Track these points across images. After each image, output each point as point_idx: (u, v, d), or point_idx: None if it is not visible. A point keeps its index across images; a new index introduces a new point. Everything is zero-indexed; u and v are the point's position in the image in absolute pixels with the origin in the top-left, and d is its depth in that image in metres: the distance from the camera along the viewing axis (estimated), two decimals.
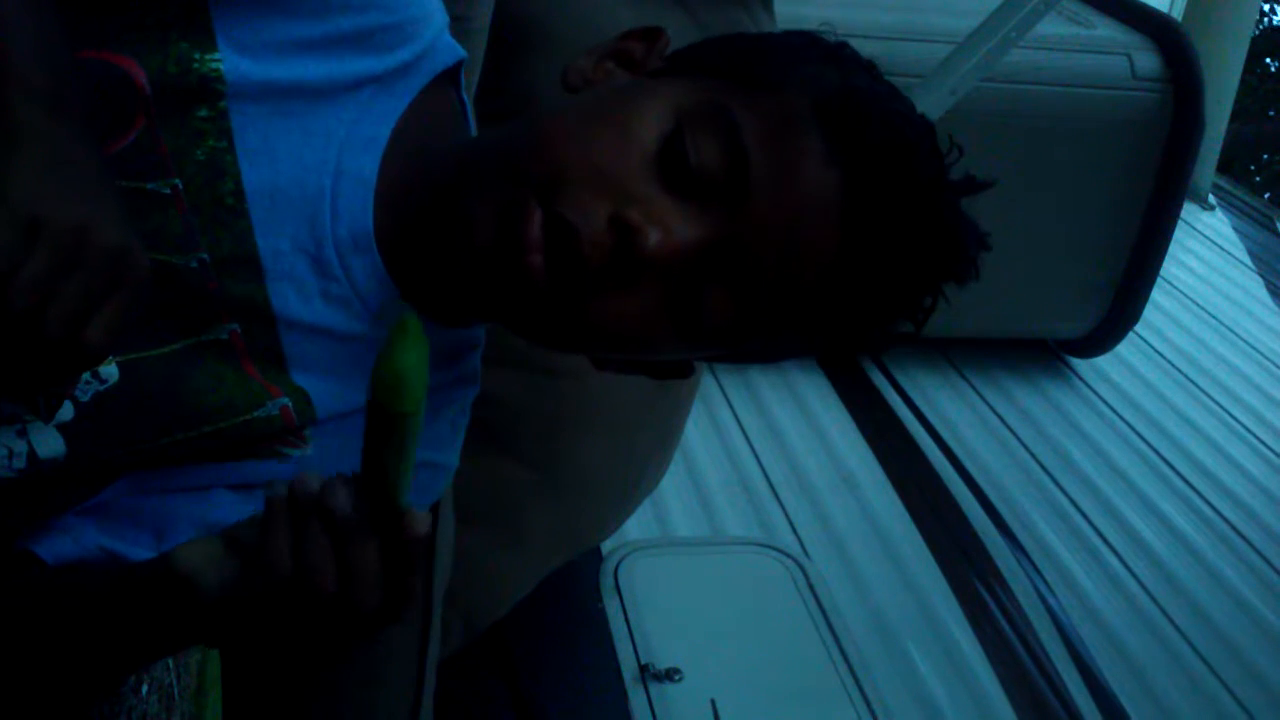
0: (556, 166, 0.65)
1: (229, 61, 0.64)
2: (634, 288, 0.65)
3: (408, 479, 0.57)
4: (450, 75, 0.76)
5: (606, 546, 2.10)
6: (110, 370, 0.67)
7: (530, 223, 0.63)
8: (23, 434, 0.67)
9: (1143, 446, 2.92)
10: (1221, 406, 3.15)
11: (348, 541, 0.57)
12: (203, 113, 0.65)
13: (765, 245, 0.65)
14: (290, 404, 0.72)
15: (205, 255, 0.66)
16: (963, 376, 3.06)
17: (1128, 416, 3.04)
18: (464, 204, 0.67)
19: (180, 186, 0.65)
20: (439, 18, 0.74)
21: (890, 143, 0.65)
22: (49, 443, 0.67)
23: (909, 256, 0.67)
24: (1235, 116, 5.49)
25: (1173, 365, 3.31)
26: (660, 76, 0.72)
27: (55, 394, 0.61)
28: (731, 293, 0.67)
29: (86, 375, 0.67)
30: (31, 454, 0.67)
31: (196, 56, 0.64)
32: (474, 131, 0.79)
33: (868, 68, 0.70)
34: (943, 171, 0.68)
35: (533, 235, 0.63)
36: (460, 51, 0.76)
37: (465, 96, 0.78)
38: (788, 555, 2.21)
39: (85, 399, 0.67)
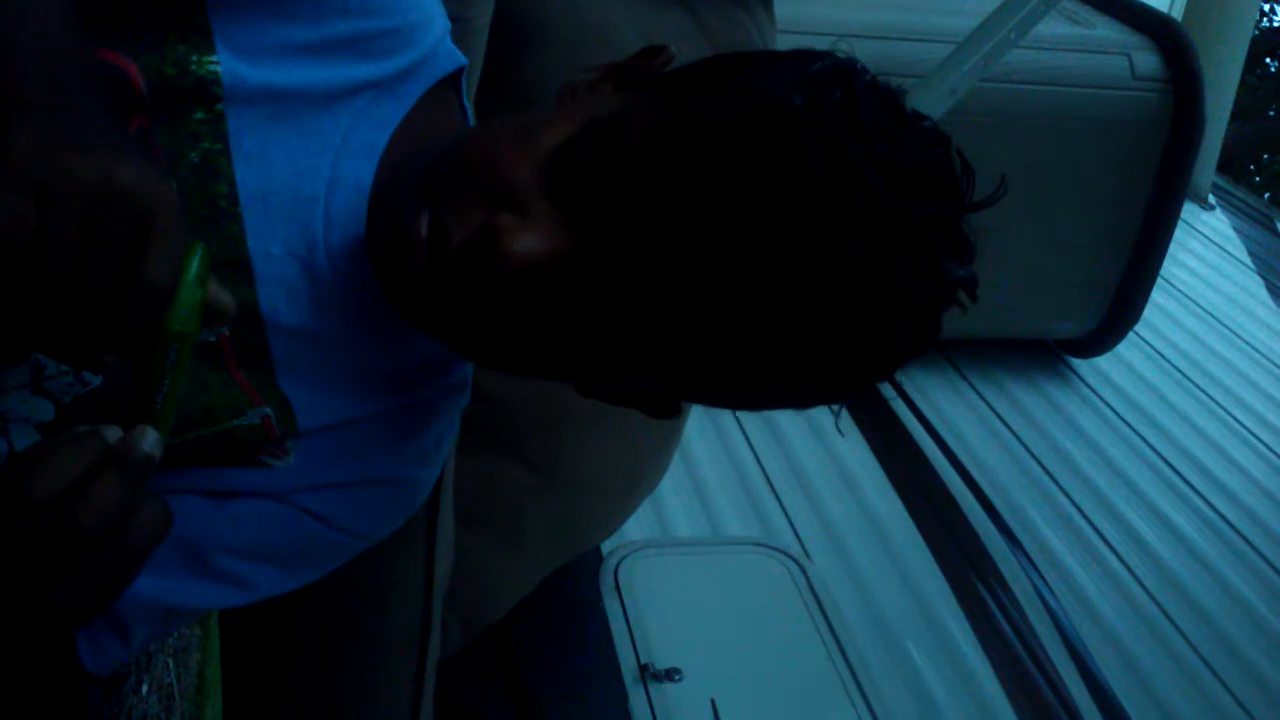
0: (455, 171, 0.64)
1: (226, 64, 0.64)
2: (507, 294, 0.63)
3: (170, 408, 0.57)
4: (452, 81, 0.75)
5: (606, 546, 2.10)
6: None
7: (418, 223, 0.62)
8: (3, 433, 0.67)
9: (1143, 446, 2.92)
10: (1221, 406, 3.15)
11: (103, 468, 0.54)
12: (199, 115, 0.65)
13: (625, 260, 0.61)
14: (272, 413, 0.71)
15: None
16: (963, 376, 3.05)
17: (1128, 416, 3.04)
18: (382, 206, 0.67)
19: (174, 188, 0.65)
20: (439, 23, 0.73)
21: (781, 168, 0.57)
22: (27, 441, 0.67)
23: (790, 305, 0.59)
24: (1235, 116, 5.48)
25: (1173, 365, 3.31)
26: (620, 91, 0.70)
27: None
28: (601, 306, 0.62)
29: (69, 378, 0.67)
30: (11, 453, 0.67)
31: (194, 59, 0.64)
32: None
33: (855, 94, 0.60)
34: (870, 215, 0.57)
35: (418, 235, 0.62)
36: (461, 58, 0.75)
37: (467, 102, 0.78)
38: (788, 555, 2.21)
39: (66, 401, 0.67)
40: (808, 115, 0.58)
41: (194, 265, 0.55)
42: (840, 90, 0.60)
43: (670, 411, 0.74)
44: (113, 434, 0.55)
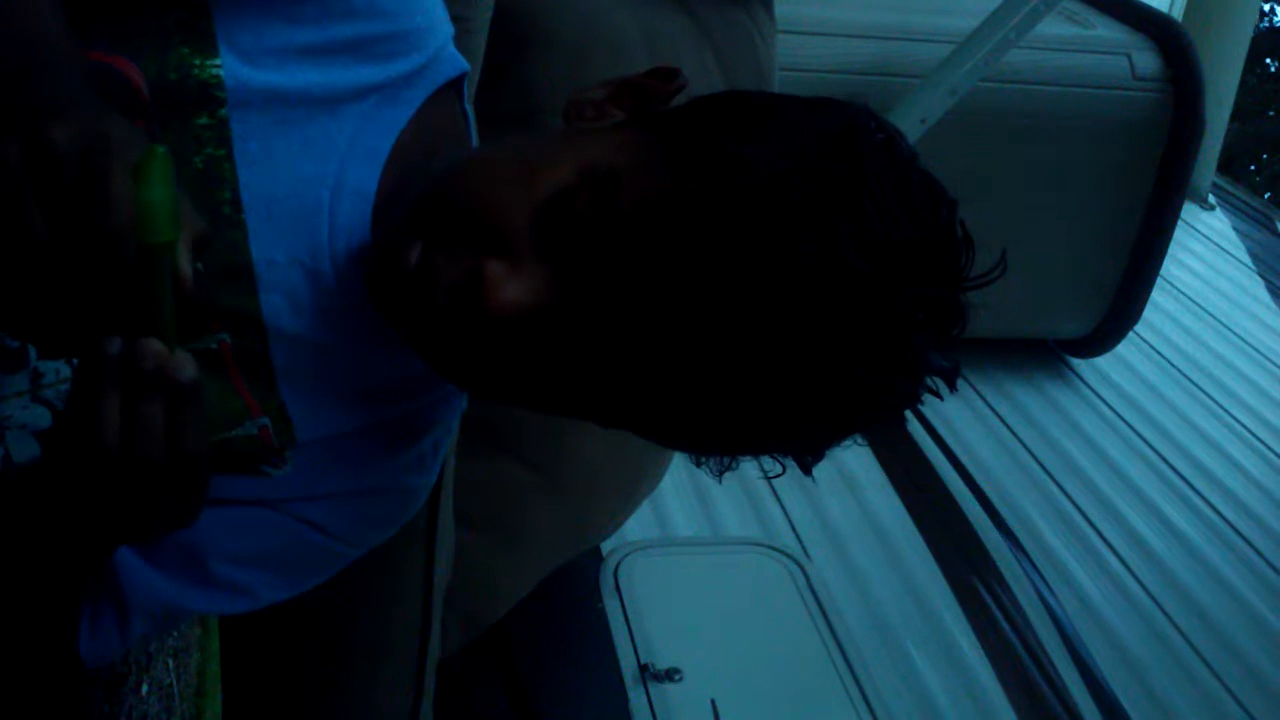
0: (450, 208, 0.64)
1: (228, 67, 0.64)
2: (488, 337, 0.63)
3: (172, 318, 0.57)
4: (454, 86, 0.75)
5: (606, 546, 2.10)
6: None
7: (407, 257, 0.63)
8: (0, 440, 0.67)
9: (1143, 446, 2.92)
10: (1221, 406, 3.15)
11: (139, 395, 0.55)
12: (203, 120, 0.64)
13: (606, 320, 0.61)
14: (270, 424, 0.71)
15: (198, 264, 0.66)
16: (963, 376, 3.04)
17: (1128, 416, 3.04)
18: (382, 221, 0.67)
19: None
20: (444, 28, 0.73)
21: (771, 262, 0.57)
22: (24, 448, 0.67)
23: (763, 388, 0.60)
24: (1235, 116, 5.48)
25: (1173, 365, 3.31)
26: (623, 127, 0.69)
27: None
28: (579, 358, 0.63)
29: (67, 385, 0.67)
30: (6, 458, 0.67)
31: (196, 62, 0.63)
32: (475, 143, 0.79)
33: (860, 165, 0.60)
34: (855, 316, 0.58)
35: (406, 271, 0.63)
36: (464, 63, 0.75)
37: (469, 108, 0.78)
38: (788, 555, 2.21)
39: (64, 407, 0.67)
40: (804, 203, 0.58)
41: (153, 174, 0.54)
42: (844, 162, 0.59)
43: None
44: (114, 345, 0.55)
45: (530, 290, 0.62)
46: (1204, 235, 4.09)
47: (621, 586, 2.04)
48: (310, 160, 0.67)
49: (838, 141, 0.61)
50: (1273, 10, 9.99)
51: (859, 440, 0.67)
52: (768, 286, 0.58)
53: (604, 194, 0.61)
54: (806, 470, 0.68)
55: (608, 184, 0.62)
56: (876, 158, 0.60)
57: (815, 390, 0.60)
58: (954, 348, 0.65)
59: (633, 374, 0.62)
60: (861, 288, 0.58)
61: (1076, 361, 3.24)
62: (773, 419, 0.62)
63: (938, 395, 0.65)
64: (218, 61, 0.64)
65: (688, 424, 0.64)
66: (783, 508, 2.44)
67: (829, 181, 0.59)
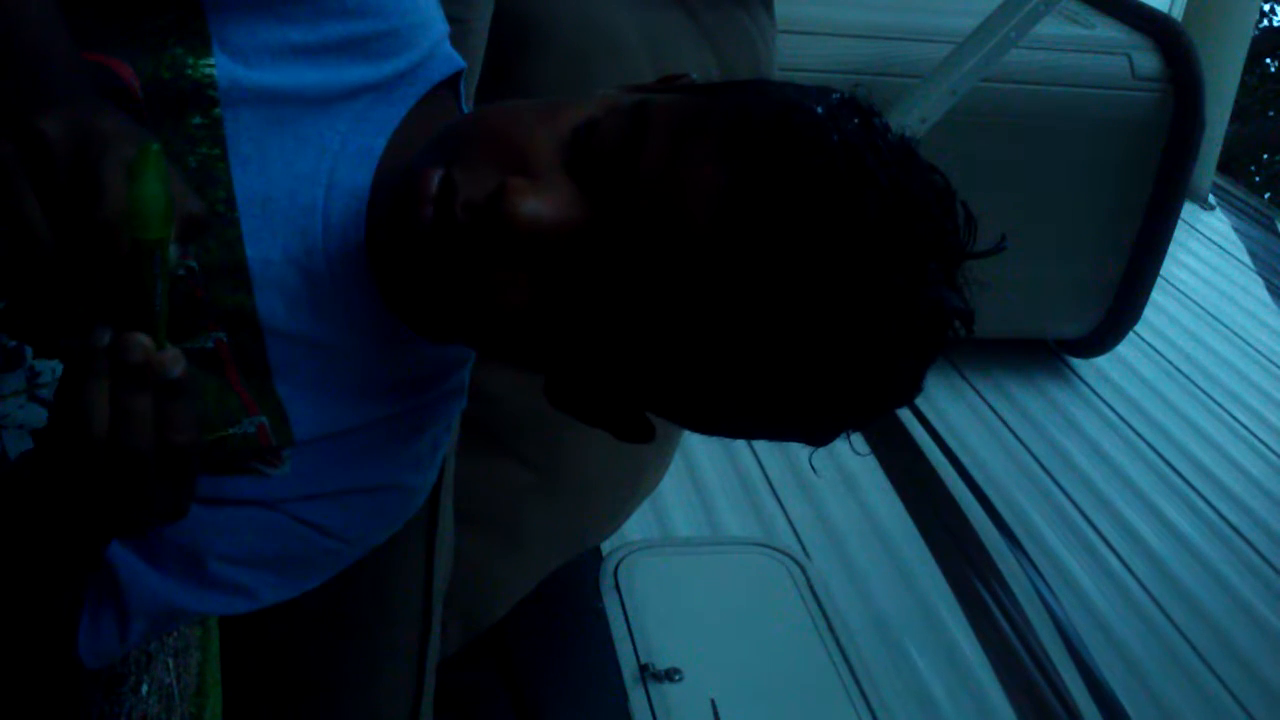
0: (473, 137, 0.63)
1: (222, 67, 0.64)
2: (508, 262, 0.61)
3: (164, 314, 0.56)
4: (450, 85, 0.75)
5: (606, 546, 2.10)
6: None
7: (429, 176, 0.61)
8: None
9: (1143, 446, 2.92)
10: (1221, 406, 3.15)
11: (127, 388, 0.55)
12: (196, 119, 0.64)
13: (634, 237, 0.59)
14: (267, 423, 0.71)
15: (193, 263, 0.65)
16: (963, 376, 3.05)
17: (1128, 416, 3.04)
18: (397, 174, 0.66)
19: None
20: (438, 26, 0.73)
21: (802, 160, 0.57)
22: (22, 448, 0.67)
23: (792, 301, 0.58)
24: (1235, 116, 5.49)
25: (1173, 365, 3.31)
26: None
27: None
28: (603, 289, 0.61)
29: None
30: (4, 458, 0.67)
31: (190, 62, 0.63)
32: None
33: (872, 125, 0.61)
34: (880, 220, 0.58)
35: (426, 188, 0.61)
36: (460, 61, 0.75)
37: (465, 107, 0.78)
38: (788, 555, 2.21)
39: (54, 397, 0.67)
40: (830, 123, 0.59)
41: (146, 170, 0.53)
42: (859, 118, 0.60)
43: (639, 434, 0.72)
44: (104, 337, 0.55)
45: (556, 206, 0.60)
46: (1204, 235, 4.09)
47: (621, 586, 2.04)
48: (304, 159, 0.67)
49: (852, 105, 0.62)
50: (1273, 10, 10.00)
51: (862, 441, 0.66)
52: (798, 193, 0.57)
53: (634, 119, 0.61)
54: (822, 444, 0.66)
55: (637, 112, 0.61)
56: (887, 131, 0.61)
57: (843, 305, 0.58)
58: (954, 345, 0.65)
59: (662, 301, 0.60)
60: (885, 205, 0.58)
61: (1076, 361, 3.24)
62: (797, 349, 0.59)
63: (957, 335, 0.64)
64: (211, 61, 0.64)
65: (715, 379, 0.62)
66: (783, 508, 2.44)
67: (849, 122, 0.59)
